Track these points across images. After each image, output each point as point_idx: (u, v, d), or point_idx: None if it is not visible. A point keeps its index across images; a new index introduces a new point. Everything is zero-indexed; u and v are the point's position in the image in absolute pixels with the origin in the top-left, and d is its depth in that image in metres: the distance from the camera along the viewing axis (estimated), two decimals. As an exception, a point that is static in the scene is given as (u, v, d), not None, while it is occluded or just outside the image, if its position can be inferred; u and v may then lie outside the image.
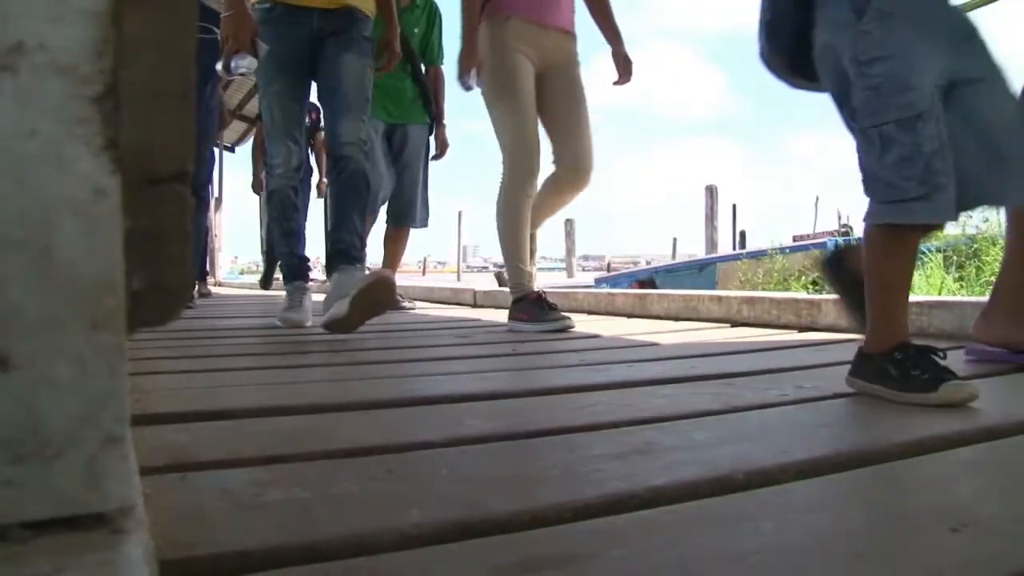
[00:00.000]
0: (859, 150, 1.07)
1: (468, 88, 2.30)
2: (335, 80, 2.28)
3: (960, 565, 0.45)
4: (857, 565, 0.46)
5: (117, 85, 0.31)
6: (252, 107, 10.41)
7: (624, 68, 2.53)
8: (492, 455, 0.75)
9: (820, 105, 1.30)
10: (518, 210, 2.32)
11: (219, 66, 2.07)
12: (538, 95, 2.34)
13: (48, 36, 0.29)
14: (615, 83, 2.59)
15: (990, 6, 1.87)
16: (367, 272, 2.19)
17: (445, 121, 3.61)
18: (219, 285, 9.16)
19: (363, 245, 2.27)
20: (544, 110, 2.38)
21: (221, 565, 0.47)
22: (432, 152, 3.57)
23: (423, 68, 3.49)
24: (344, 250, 2.19)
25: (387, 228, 3.45)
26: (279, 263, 1.85)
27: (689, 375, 1.25)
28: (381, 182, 3.20)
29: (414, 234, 3.55)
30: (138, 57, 0.34)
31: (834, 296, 1.42)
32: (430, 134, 3.54)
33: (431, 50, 3.54)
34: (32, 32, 0.29)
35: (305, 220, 4.03)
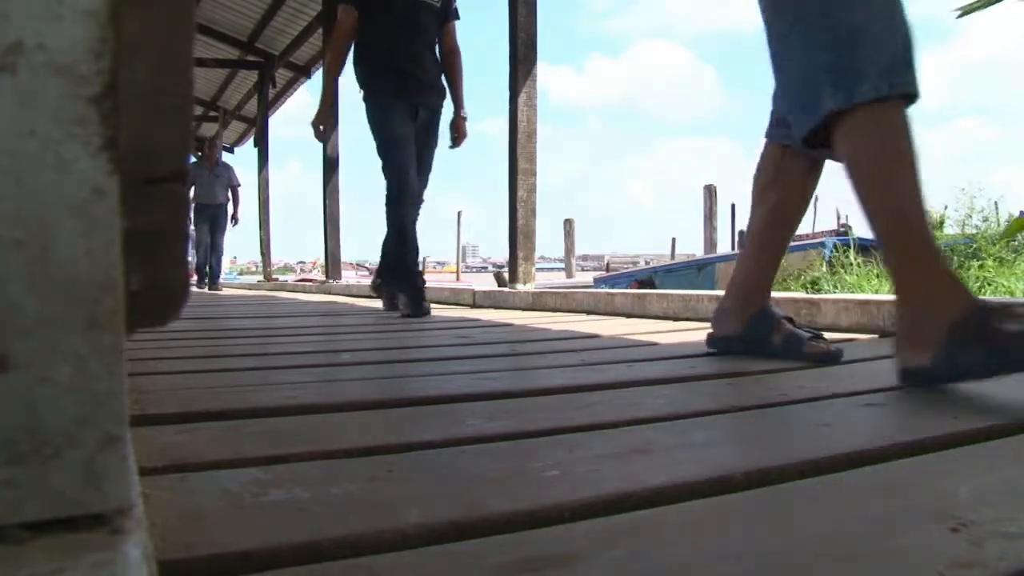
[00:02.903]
0: None
1: None
2: None
3: (960, 565, 0.44)
4: (856, 565, 0.46)
5: (116, 85, 0.30)
6: (251, 107, 10.40)
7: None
8: (492, 455, 0.75)
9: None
10: None
11: None
12: None
13: (47, 36, 0.29)
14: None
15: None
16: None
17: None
18: (218, 285, 9.13)
19: None
20: None
21: (221, 565, 0.47)
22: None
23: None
24: None
25: None
26: None
27: (689, 375, 1.25)
28: None
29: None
30: (137, 57, 0.34)
31: (833, 296, 1.43)
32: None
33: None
34: (31, 32, 0.29)
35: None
